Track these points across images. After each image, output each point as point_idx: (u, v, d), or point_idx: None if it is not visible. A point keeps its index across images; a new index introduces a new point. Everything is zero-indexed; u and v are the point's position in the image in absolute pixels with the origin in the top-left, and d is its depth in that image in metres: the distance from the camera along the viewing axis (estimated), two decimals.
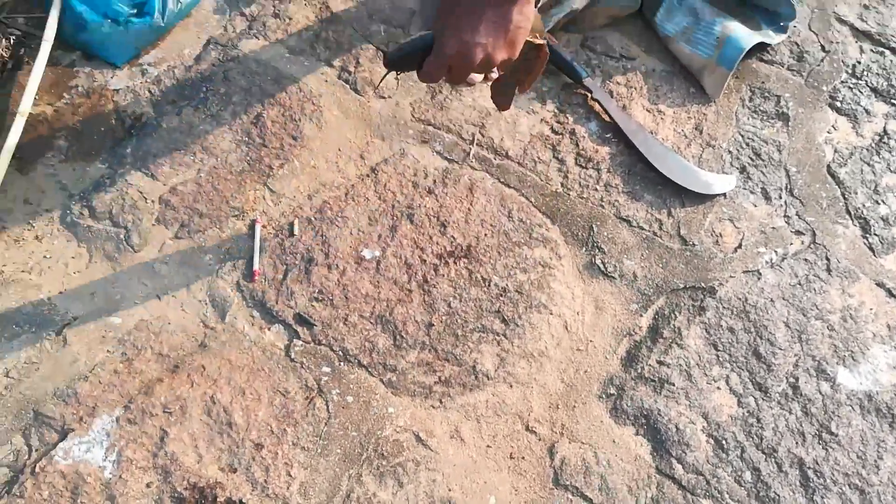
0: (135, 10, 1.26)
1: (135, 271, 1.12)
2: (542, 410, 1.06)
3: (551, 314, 1.12)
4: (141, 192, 1.17)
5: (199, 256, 1.13)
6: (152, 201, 1.17)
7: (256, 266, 1.12)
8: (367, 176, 1.21)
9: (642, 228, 1.19)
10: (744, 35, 1.29)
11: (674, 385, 1.07)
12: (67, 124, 1.23)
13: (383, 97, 1.29)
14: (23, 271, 1.10)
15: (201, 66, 1.29)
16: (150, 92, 1.27)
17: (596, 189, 1.22)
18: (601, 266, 1.16)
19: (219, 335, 1.07)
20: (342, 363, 1.06)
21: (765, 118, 1.30)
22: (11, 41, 1.28)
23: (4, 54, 1.26)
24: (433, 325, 1.10)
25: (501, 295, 1.13)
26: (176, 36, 1.32)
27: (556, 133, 1.27)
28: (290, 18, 1.35)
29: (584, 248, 1.17)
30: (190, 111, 1.25)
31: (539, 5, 1.30)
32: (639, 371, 1.08)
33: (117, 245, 1.13)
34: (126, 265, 1.12)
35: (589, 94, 1.28)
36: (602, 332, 1.11)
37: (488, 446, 1.03)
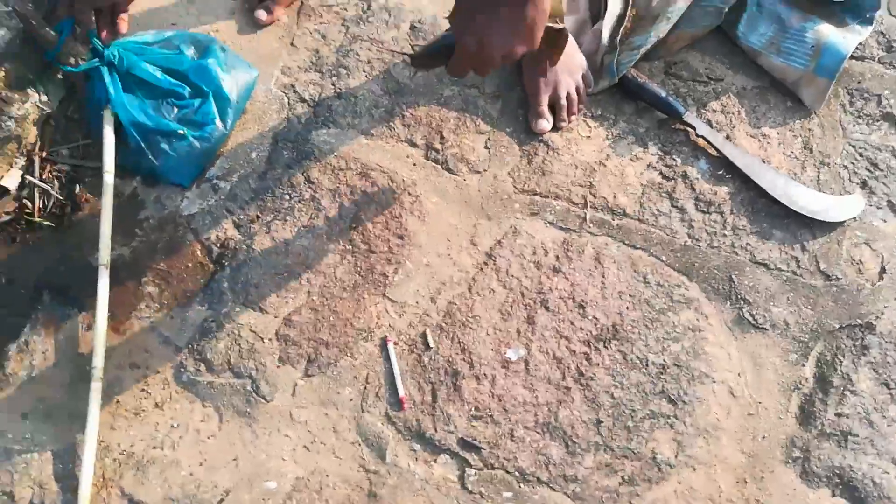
0: (193, 122, 1.13)
1: (273, 423, 1.03)
2: (731, 488, 1.02)
3: (714, 382, 1.08)
4: (254, 332, 1.07)
5: (336, 392, 1.05)
6: (269, 339, 1.07)
7: (402, 392, 1.05)
8: (485, 264, 1.13)
9: (781, 270, 1.14)
10: (839, 40, 1.22)
11: (857, 436, 1.04)
12: (150, 266, 1.11)
13: (478, 172, 1.19)
14: (154, 448, 1.01)
15: (276, 170, 1.17)
16: (228, 210, 1.15)
17: (724, 235, 1.16)
18: (750, 318, 1.11)
19: (385, 479, 1.00)
20: (522, 485, 1.01)
21: (870, 122, 1.25)
22: (63, 180, 1.14)
23: (60, 197, 1.13)
24: (602, 421, 1.04)
25: (662, 373, 1.08)
26: (237, 138, 1.19)
27: (667, 178, 1.20)
28: (356, 97, 1.23)
29: (728, 303, 1.12)
30: (279, 225, 1.14)
31: (619, 37, 1.21)
32: (819, 428, 1.05)
33: (246, 398, 1.04)
34: (261, 419, 1.03)
35: (692, 130, 1.21)
36: (768, 391, 1.08)
37: None
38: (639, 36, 1.20)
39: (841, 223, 1.17)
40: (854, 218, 1.17)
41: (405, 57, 0.88)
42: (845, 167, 1.21)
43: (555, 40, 0.93)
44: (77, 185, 1.15)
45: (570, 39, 1.21)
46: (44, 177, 1.14)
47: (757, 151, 1.22)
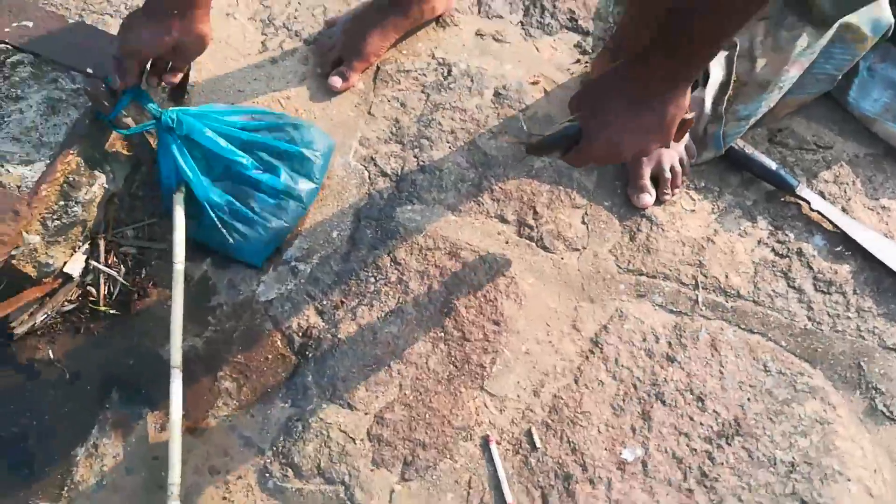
0: (267, 197, 1.05)
1: None
2: None
3: (849, 480, 0.97)
4: (344, 431, 0.98)
5: (437, 499, 0.95)
6: (361, 440, 0.97)
7: (510, 498, 0.94)
8: (591, 352, 1.04)
9: None
10: None
11: None
12: (226, 358, 1.02)
13: (577, 249, 1.11)
14: None
15: (360, 250, 1.09)
16: (309, 296, 1.06)
17: (849, 317, 1.07)
18: (884, 409, 1.02)
19: None
20: None
21: None
22: (130, 264, 1.05)
23: (126, 283, 1.04)
24: None
25: (791, 471, 0.97)
26: (316, 216, 1.11)
27: (780, 256, 1.11)
28: (440, 170, 1.15)
29: (857, 392, 1.03)
30: (365, 311, 1.05)
31: (724, 106, 1.13)
32: None
33: None
34: None
35: (805, 204, 1.12)
36: None
37: None
38: (745, 105, 1.12)
39: None
40: None
41: (521, 146, 0.82)
42: None
43: (682, 129, 0.86)
44: (143, 270, 1.06)
45: None
46: (109, 261, 1.05)
47: (877, 225, 1.13)
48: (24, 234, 0.92)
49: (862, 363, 1.04)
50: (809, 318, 1.07)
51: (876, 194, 1.16)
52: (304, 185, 1.07)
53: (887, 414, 1.01)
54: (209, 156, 1.02)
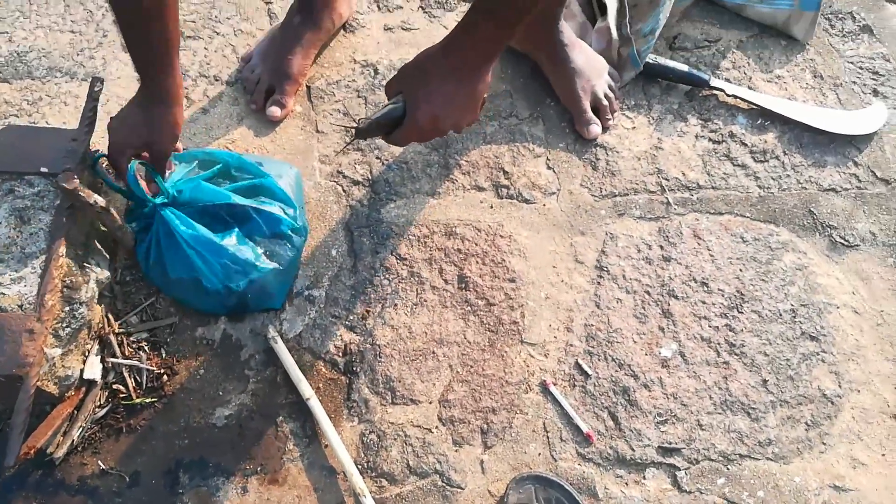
0: (269, 241, 1.05)
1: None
2: (894, 395, 1.08)
3: (838, 307, 1.13)
4: (418, 426, 1.02)
5: (523, 452, 1.01)
6: (436, 427, 1.02)
7: (584, 427, 1.02)
8: (600, 277, 1.13)
9: (847, 189, 1.22)
10: None
11: None
12: (279, 402, 1.02)
13: (553, 193, 1.19)
14: None
15: (363, 259, 1.12)
16: (334, 317, 1.08)
17: (788, 175, 1.23)
18: (841, 241, 1.18)
19: None
20: (728, 465, 1.02)
21: (854, 38, 1.36)
22: (146, 348, 1.02)
23: (151, 368, 1.01)
24: (767, 380, 1.07)
25: (794, 317, 1.12)
26: (309, 242, 1.12)
27: (717, 143, 1.25)
28: (406, 163, 1.19)
29: (816, 234, 1.19)
30: (392, 313, 1.08)
31: (628, 28, 1.25)
32: None
33: (441, 494, 0.98)
34: None
35: (720, 93, 1.27)
36: (884, 298, 1.15)
37: (883, 455, 1.05)
38: (645, 22, 1.24)
39: (875, 132, 1.26)
40: (885, 123, 1.27)
41: (350, 130, 0.84)
42: (854, 82, 1.32)
43: (482, 105, 0.98)
44: (162, 350, 1.04)
45: (583, 44, 1.24)
46: (126, 353, 1.02)
47: (779, 93, 1.30)
48: (44, 349, 0.88)
49: (812, 209, 1.20)
50: (759, 187, 1.22)
51: (768, 68, 1.33)
52: (297, 218, 1.07)
53: (845, 243, 1.18)
54: (204, 214, 1.00)
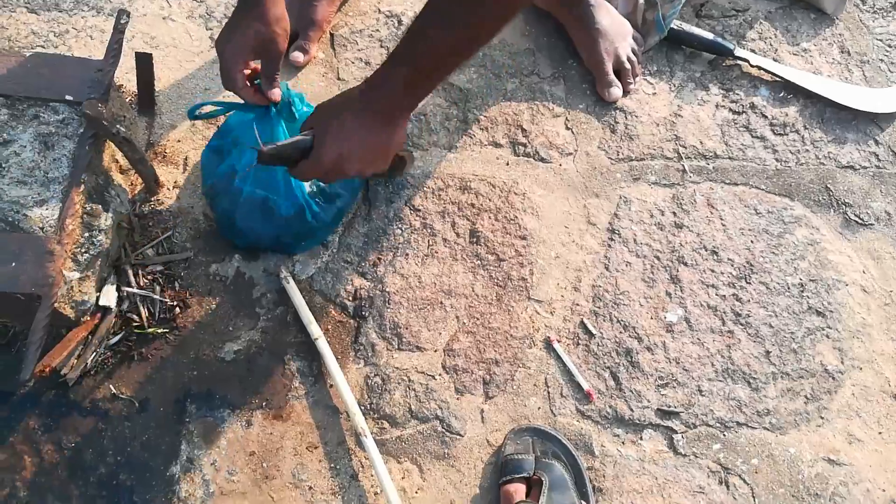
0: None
1: (474, 456, 1.00)
2: None
3: (846, 285, 1.14)
4: (422, 372, 1.03)
5: (523, 405, 1.03)
6: (439, 375, 1.04)
7: (585, 385, 1.04)
8: (611, 240, 1.14)
9: (865, 167, 1.22)
10: None
11: None
12: (287, 341, 1.04)
13: (569, 154, 1.19)
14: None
15: (378, 208, 1.13)
16: (346, 262, 1.09)
17: (807, 150, 1.22)
18: (855, 219, 1.18)
19: (604, 471, 1.00)
20: (725, 433, 1.03)
21: (884, 14, 1.34)
22: (161, 280, 1.04)
23: (164, 299, 1.03)
24: (770, 351, 1.08)
25: (802, 291, 1.12)
26: None
27: (737, 113, 1.24)
28: (425, 115, 1.20)
29: (831, 210, 1.19)
30: (403, 261, 1.10)
31: None
32: None
33: (440, 440, 1.00)
34: (462, 456, 1.00)
35: (745, 63, 1.26)
36: (883, 278, 1.15)
37: (880, 433, 1.06)
38: None
39: None
40: None
41: (256, 151, 0.85)
42: (882, 60, 1.30)
43: (400, 165, 1.03)
44: (176, 282, 1.06)
45: (609, 6, 1.23)
46: (141, 284, 1.04)
47: (805, 66, 1.28)
48: (63, 271, 0.90)
49: (828, 185, 1.20)
50: (777, 160, 1.21)
51: (795, 41, 1.31)
52: None
53: (859, 221, 1.18)
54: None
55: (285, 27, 0.90)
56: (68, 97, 0.97)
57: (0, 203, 0.90)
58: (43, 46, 1.20)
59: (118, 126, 0.94)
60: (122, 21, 1.01)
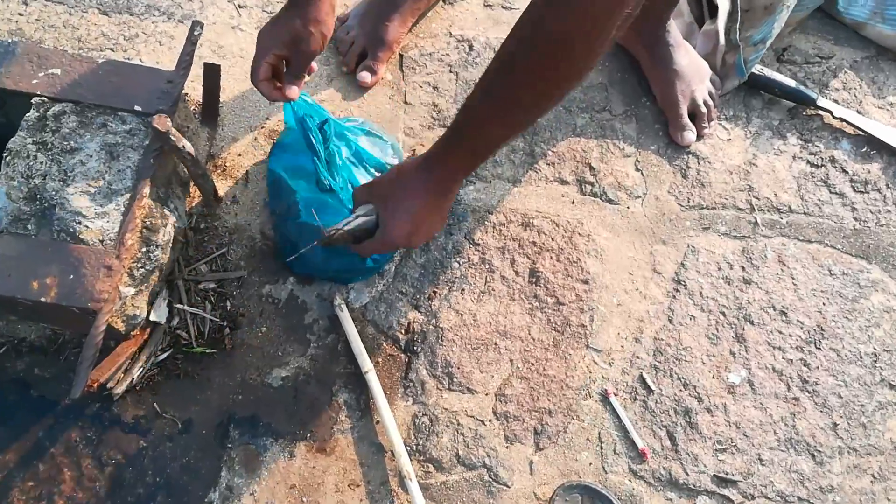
0: None
1: None
2: None
3: None
4: (471, 416, 1.00)
5: (574, 460, 0.99)
6: (489, 420, 1.00)
7: (640, 443, 0.99)
8: (676, 291, 1.09)
9: None
10: None
11: None
12: (336, 371, 1.01)
13: (638, 196, 1.15)
14: None
15: (437, 239, 1.09)
16: (401, 293, 1.06)
17: (888, 210, 1.16)
18: None
19: None
20: None
21: None
22: (213, 299, 1.02)
23: (215, 318, 1.01)
24: (837, 423, 1.03)
25: (875, 361, 1.07)
26: None
27: (816, 166, 1.19)
28: None
29: None
30: (458, 297, 1.06)
31: (738, 34, 1.18)
32: None
33: (486, 489, 0.97)
34: None
35: (828, 114, 1.20)
36: None
37: None
38: (757, 29, 1.18)
39: None
40: None
41: (318, 241, 0.88)
42: None
43: None
44: (228, 302, 1.03)
45: (688, 46, 1.19)
46: (192, 301, 1.02)
47: (890, 121, 1.22)
48: (119, 287, 0.88)
49: None
50: (856, 219, 1.16)
51: (882, 93, 1.25)
52: None
53: None
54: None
55: (323, 31, 0.90)
56: (137, 108, 0.95)
57: (63, 212, 0.88)
58: (112, 49, 1.19)
59: (185, 142, 0.92)
60: (196, 33, 0.99)
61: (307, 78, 1.01)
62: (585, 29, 0.64)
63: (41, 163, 0.90)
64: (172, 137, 0.90)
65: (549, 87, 0.71)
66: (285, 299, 1.05)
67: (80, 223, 0.88)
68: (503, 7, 1.28)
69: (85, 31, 1.20)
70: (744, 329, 1.07)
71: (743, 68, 1.18)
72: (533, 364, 1.03)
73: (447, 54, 1.23)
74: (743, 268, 1.11)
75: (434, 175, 0.84)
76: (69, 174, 0.90)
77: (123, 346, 0.96)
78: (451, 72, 1.21)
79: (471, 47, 1.23)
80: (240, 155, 1.13)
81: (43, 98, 0.94)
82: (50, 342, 1.00)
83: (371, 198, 0.88)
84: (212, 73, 1.09)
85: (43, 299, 0.85)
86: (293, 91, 0.93)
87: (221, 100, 1.14)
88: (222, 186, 1.10)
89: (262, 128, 1.15)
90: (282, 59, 0.92)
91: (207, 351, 1.01)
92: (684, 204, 1.15)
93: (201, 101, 1.13)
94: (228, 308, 1.03)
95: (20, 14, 1.20)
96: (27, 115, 0.94)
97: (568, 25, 0.64)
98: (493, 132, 0.79)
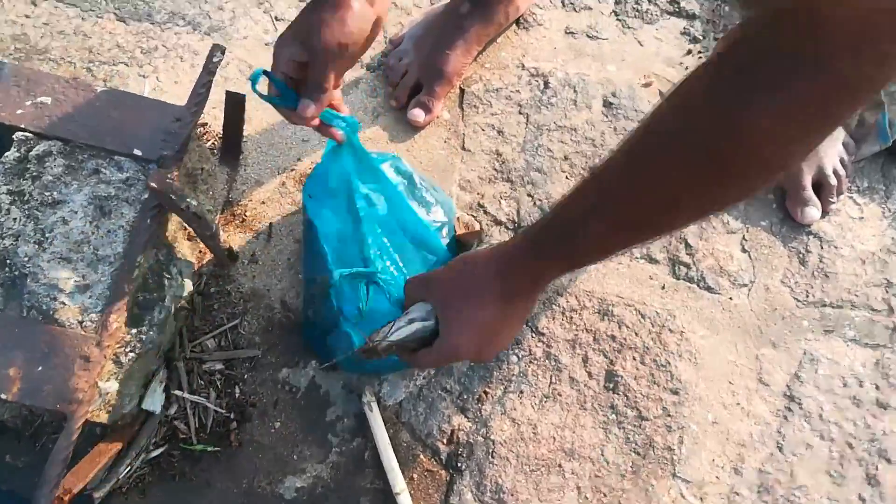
0: None
1: None
2: None
3: None
4: None
5: None
6: None
7: None
8: (788, 409, 0.87)
9: None
10: None
11: None
12: (362, 487, 0.82)
13: (744, 285, 0.93)
14: None
15: None
16: (444, 390, 0.87)
17: None
18: None
19: None
20: None
21: None
22: (218, 384, 0.84)
23: (220, 409, 0.83)
24: None
25: None
26: None
27: None
28: None
29: None
30: (515, 400, 0.86)
31: (887, 94, 0.95)
32: None
33: None
34: None
35: None
36: None
37: None
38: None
39: None
40: None
41: (358, 349, 0.69)
42: None
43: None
44: (237, 388, 0.85)
45: None
46: (194, 386, 0.84)
47: None
48: (98, 383, 0.70)
49: None
50: None
51: None
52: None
53: None
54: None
55: (342, 42, 0.67)
56: (137, 151, 0.77)
57: (36, 284, 0.71)
58: (126, 64, 1.01)
59: (189, 201, 0.73)
60: (215, 60, 0.80)
61: (337, 95, 0.78)
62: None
63: (14, 219, 0.73)
64: (173, 196, 0.72)
65: (733, 188, 0.50)
66: (305, 388, 0.86)
67: (55, 299, 0.71)
68: (588, 36, 1.07)
69: (97, 41, 1.02)
70: (877, 468, 0.85)
71: (887, 132, 0.95)
72: (605, 495, 0.83)
73: (517, 91, 1.02)
74: (877, 386, 0.88)
75: (515, 279, 0.65)
76: (47, 235, 0.73)
77: (107, 445, 0.79)
78: (520, 113, 1.01)
79: (546, 84, 1.03)
80: (263, 203, 0.94)
81: (27, 134, 0.77)
82: (26, 423, 0.83)
83: (428, 296, 0.69)
84: (235, 103, 0.90)
85: (2, 396, 0.68)
86: (309, 110, 0.70)
87: (245, 134, 0.95)
88: (239, 240, 0.92)
89: (293, 170, 0.96)
90: (301, 66, 0.70)
91: (209, 448, 0.83)
92: (801, 298, 0.92)
93: (221, 133, 0.95)
94: (237, 395, 0.85)
95: (27, 16, 1.04)
96: (5, 154, 0.77)
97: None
98: (616, 237, 0.58)
